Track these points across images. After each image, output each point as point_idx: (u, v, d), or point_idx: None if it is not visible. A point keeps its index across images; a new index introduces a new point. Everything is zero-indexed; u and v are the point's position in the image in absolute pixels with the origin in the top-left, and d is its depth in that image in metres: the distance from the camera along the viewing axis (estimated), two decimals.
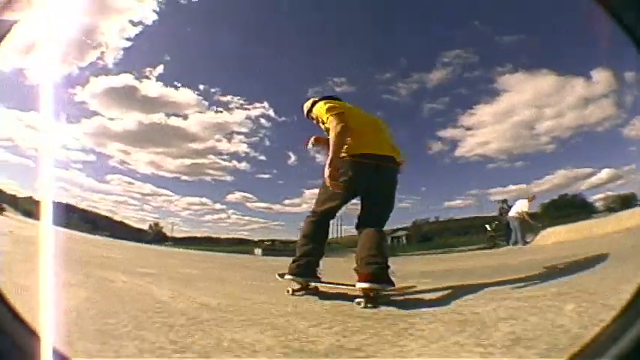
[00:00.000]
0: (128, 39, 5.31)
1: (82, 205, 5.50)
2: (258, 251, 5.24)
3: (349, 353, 1.26)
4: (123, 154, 5.77)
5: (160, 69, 5.47)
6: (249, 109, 5.68)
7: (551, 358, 1.20)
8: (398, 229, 5.30)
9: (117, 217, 5.60)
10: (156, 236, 5.53)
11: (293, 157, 5.79)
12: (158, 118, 5.76)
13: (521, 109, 4.67)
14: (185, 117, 5.81)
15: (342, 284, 2.23)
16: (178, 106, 5.72)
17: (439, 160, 5.03)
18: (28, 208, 5.05)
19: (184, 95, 5.71)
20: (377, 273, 2.01)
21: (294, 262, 2.35)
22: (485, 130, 4.88)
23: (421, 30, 4.62)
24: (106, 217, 5.58)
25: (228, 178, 5.67)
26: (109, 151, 5.80)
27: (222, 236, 5.38)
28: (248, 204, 5.40)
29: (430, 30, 4.62)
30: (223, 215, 5.43)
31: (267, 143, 5.80)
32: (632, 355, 0.81)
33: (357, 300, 2.00)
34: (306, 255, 2.33)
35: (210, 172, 5.83)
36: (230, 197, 5.52)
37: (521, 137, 4.63)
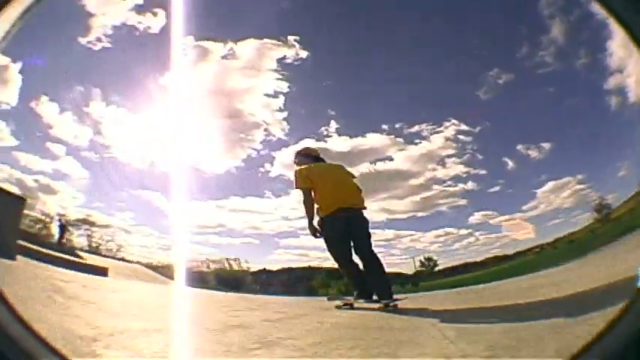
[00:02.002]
0: (280, 110, 5.48)
1: (327, 265, 5.67)
2: None
3: None
4: None
5: (334, 125, 5.61)
6: (442, 131, 5.79)
7: (551, 358, 1.20)
8: None
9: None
10: (432, 270, 5.62)
11: (510, 162, 5.87)
12: (365, 167, 5.91)
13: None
14: (390, 158, 5.94)
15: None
16: (377, 151, 5.87)
17: (626, 112, 4.85)
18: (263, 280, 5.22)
19: (375, 139, 5.84)
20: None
21: (355, 289, 3.15)
22: (630, 67, 4.76)
23: None
24: None
25: (462, 201, 5.78)
26: None
27: (478, 259, 5.45)
28: (491, 221, 5.48)
29: None
30: (472, 239, 5.53)
31: (480, 156, 5.86)
32: (631, 355, 0.81)
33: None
34: (359, 285, 3.13)
35: (442, 201, 5.97)
36: (472, 219, 5.60)
37: None
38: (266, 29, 5.00)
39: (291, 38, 5.09)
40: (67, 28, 4.15)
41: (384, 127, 5.73)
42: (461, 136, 5.66)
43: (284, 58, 5.14)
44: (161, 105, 4.01)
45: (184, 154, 4.05)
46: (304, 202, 3.22)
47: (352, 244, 3.14)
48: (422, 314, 2.62)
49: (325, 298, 3.98)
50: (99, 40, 4.27)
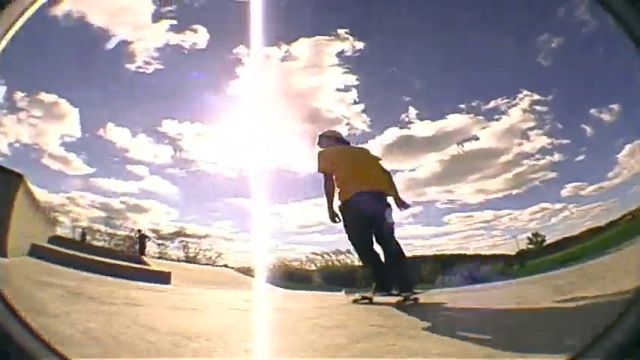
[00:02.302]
0: (355, 102, 5.53)
1: (430, 252, 5.45)
2: None
3: None
4: (447, 193, 5.92)
5: (413, 110, 5.58)
6: (517, 103, 5.72)
7: (551, 359, 1.20)
8: None
9: (469, 252, 5.68)
10: (540, 247, 5.51)
11: (589, 129, 5.73)
12: (454, 149, 5.88)
13: None
14: (475, 138, 5.93)
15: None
16: (462, 131, 5.83)
17: None
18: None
19: (456, 120, 5.83)
20: None
21: (374, 281, 2.98)
22: None
23: None
24: (458, 254, 5.65)
25: (552, 174, 5.69)
26: (431, 197, 5.92)
27: (574, 233, 5.03)
28: (581, 192, 5.35)
29: None
30: (566, 212, 5.42)
31: (560, 126, 5.80)
32: (631, 355, 0.81)
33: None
34: (378, 277, 2.97)
35: (533, 175, 5.91)
36: (563, 192, 5.53)
37: None
38: (314, 27, 4.99)
39: (341, 32, 5.07)
40: (116, 56, 4.23)
41: (462, 106, 5.65)
42: (537, 107, 5.56)
43: (342, 52, 5.07)
44: (238, 114, 4.04)
45: (273, 158, 4.09)
46: (324, 186, 3.09)
47: (374, 231, 2.96)
48: None
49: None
50: (147, 63, 4.33)
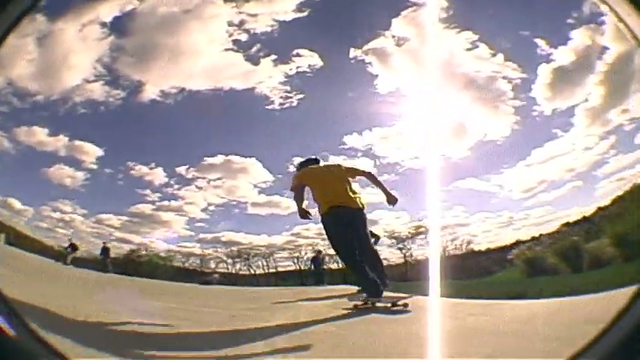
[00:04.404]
0: (493, 55, 5.42)
1: None
2: None
3: None
4: (623, 113, 5.58)
5: (540, 43, 5.37)
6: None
7: (551, 358, 1.20)
8: None
9: None
10: None
11: None
12: (600, 66, 5.60)
13: None
14: (605, 47, 5.94)
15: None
16: (589, 47, 5.52)
17: None
18: None
19: (576, 37, 5.55)
20: None
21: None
22: None
23: None
24: None
25: None
26: (615, 122, 5.50)
27: None
28: None
29: None
30: None
31: None
32: (631, 355, 0.81)
33: None
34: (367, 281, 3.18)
35: None
36: None
37: None
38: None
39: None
40: (252, 103, 4.33)
41: (570, 21, 5.14)
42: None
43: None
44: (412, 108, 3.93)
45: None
46: (294, 198, 3.46)
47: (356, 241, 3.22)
48: None
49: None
50: (286, 97, 4.31)
